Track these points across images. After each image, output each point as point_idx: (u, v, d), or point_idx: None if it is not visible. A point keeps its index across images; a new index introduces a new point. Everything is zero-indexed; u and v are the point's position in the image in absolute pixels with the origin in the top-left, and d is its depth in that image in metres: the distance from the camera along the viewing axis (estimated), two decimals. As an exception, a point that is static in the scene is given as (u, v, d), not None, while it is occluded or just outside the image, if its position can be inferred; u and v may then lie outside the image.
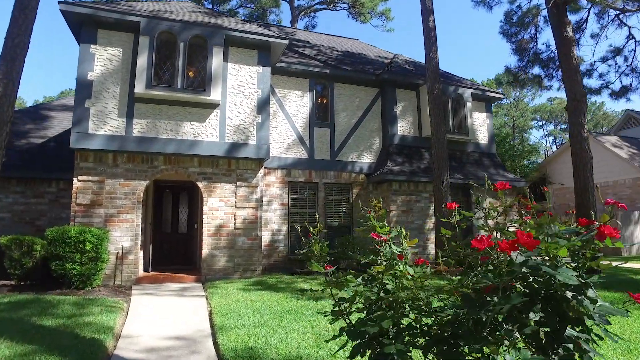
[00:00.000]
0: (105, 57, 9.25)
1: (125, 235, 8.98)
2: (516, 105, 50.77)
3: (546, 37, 73.84)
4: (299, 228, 3.43)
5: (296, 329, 5.22)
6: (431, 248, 12.34)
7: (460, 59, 67.84)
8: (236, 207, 9.82)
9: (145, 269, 10.11)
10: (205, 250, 9.50)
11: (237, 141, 9.89)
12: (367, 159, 12.74)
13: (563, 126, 54.24)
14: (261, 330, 5.15)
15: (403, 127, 13.15)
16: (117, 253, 8.86)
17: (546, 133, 60.11)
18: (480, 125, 14.64)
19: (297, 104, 12.19)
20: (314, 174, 12.03)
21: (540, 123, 58.94)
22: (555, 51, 13.30)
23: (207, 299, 7.41)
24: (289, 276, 9.97)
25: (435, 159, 10.80)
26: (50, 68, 79.25)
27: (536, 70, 16.00)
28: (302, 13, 31.84)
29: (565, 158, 19.97)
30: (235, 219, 9.78)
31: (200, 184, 9.67)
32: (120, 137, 9.05)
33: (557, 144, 56.07)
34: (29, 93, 60.76)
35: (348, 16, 31.51)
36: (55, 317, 5.55)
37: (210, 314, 6.16)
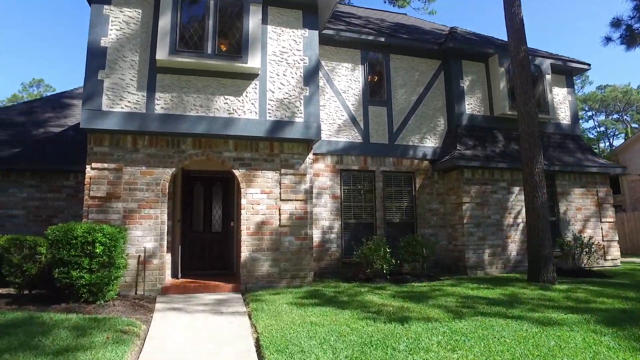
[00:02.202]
0: (121, 19, 7.61)
1: (147, 234, 7.31)
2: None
3: None
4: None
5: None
6: (512, 248, 10.18)
7: (533, 27, 61.97)
8: (281, 200, 8.00)
9: (174, 275, 8.43)
10: (245, 253, 7.73)
11: (281, 118, 8.05)
12: (430, 143, 10.68)
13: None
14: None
15: (471, 105, 11.02)
16: (139, 256, 7.21)
17: (596, 124, 55.92)
18: (561, 102, 12.30)
19: (347, 78, 10.28)
20: (369, 160, 10.08)
21: (589, 113, 54.82)
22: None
23: (250, 317, 5.61)
24: (347, 284, 8.07)
25: (524, 138, 8.64)
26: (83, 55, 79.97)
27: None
28: (337, -2, 29.90)
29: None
30: (280, 215, 7.96)
31: (237, 172, 7.90)
32: (140, 114, 7.38)
33: (611, 135, 51.91)
34: (60, 82, 60.96)
35: (385, 1, 29.39)
36: (38, 355, 3.84)
37: (259, 346, 4.32)
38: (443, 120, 10.92)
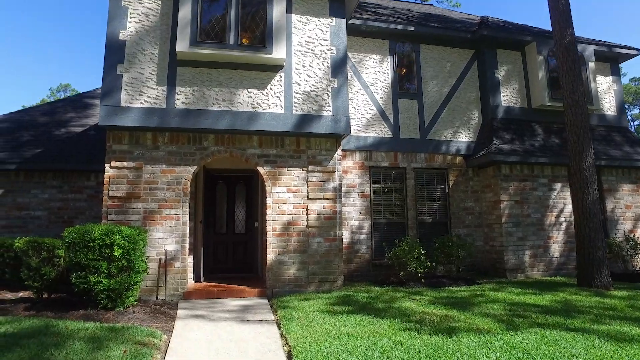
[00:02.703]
0: (140, 11, 7.27)
1: (169, 236, 6.95)
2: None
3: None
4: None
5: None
6: (554, 249, 9.46)
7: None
8: (308, 199, 7.52)
9: (196, 279, 8.06)
10: (271, 256, 7.28)
11: (308, 112, 7.57)
12: (464, 137, 10.03)
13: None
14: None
15: (507, 97, 10.31)
16: (160, 259, 6.84)
17: (630, 117, 53.67)
18: (605, 91, 11.46)
19: (375, 70, 9.74)
20: (400, 156, 9.51)
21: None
22: None
23: (279, 326, 5.15)
24: (379, 288, 7.55)
25: (572, 130, 7.93)
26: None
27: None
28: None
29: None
30: (307, 215, 7.48)
31: (261, 170, 7.46)
32: (160, 110, 7.02)
33: (645, 128, 49.65)
34: (85, 86, 61.94)
35: (408, -6, 28.52)
36: (50, 370, 3.46)
37: (292, 362, 3.85)
38: (477, 113, 10.25)
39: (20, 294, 7.10)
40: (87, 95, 13.12)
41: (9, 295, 7.29)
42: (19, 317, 5.27)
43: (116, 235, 5.49)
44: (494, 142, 9.44)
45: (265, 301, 6.75)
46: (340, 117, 7.65)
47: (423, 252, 7.95)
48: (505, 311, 5.52)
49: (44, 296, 6.36)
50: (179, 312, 5.96)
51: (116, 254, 5.45)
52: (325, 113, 7.63)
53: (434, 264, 8.21)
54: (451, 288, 7.46)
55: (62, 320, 5.07)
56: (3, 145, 9.63)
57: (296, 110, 7.52)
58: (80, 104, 12.32)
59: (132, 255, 5.62)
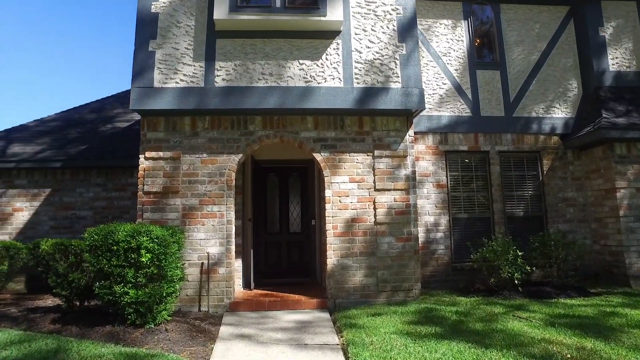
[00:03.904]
0: (174, -22, 6.30)
1: (211, 237, 5.91)
2: None
3: None
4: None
5: None
6: (689, 249, 7.38)
7: None
8: (375, 190, 6.19)
9: (246, 285, 6.99)
10: (332, 259, 6.03)
11: (372, 84, 6.24)
12: (560, 113, 8.22)
13: None
14: None
15: (617, 60, 8.34)
16: (202, 264, 5.82)
17: None
18: None
19: (447, 38, 8.19)
20: (481, 138, 7.91)
21: None
22: None
23: (346, 354, 3.88)
24: (465, 298, 6.07)
25: None
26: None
27: None
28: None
29: None
30: (375, 209, 6.15)
31: (318, 157, 6.23)
32: (197, 89, 6.00)
33: None
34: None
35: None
36: None
37: None
38: (576, 83, 8.38)
39: (59, 301, 6.44)
40: (136, 90, 12.59)
41: (49, 302, 6.66)
42: (36, 335, 4.43)
43: (143, 237, 4.47)
44: (604, 115, 7.56)
45: (326, 315, 5.51)
46: (411, 89, 6.24)
47: (520, 253, 6.36)
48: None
49: (76, 304, 5.57)
50: (222, 329, 4.87)
51: (144, 259, 4.44)
52: (393, 85, 6.26)
53: (533, 268, 6.57)
54: (562, 300, 5.82)
55: (80, 342, 4.13)
56: (51, 144, 9.21)
57: (357, 83, 6.21)
58: (128, 99, 11.78)
59: (164, 260, 4.59)
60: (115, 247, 4.46)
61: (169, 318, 4.86)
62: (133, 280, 4.48)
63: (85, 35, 47.83)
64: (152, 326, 4.57)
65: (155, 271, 4.53)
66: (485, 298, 6.07)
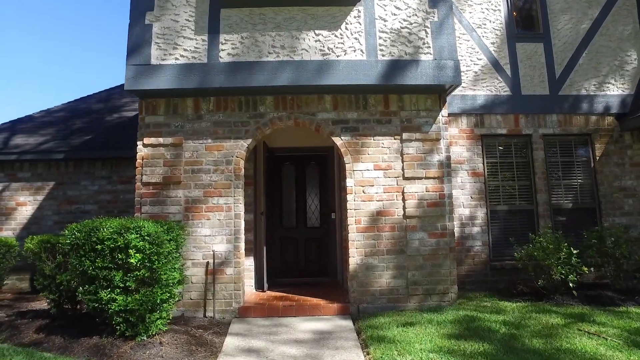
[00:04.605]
0: (173, -59, 5.58)
1: (217, 233, 5.21)
2: None
3: None
4: None
5: None
6: None
7: None
8: (404, 179, 5.37)
9: (258, 286, 6.27)
10: (354, 258, 5.25)
11: (400, 57, 5.39)
12: (615, 90, 7.19)
13: None
14: None
15: (681, 28, 7.25)
16: (207, 264, 5.13)
17: None
18: None
19: (482, 7, 7.24)
20: (522, 120, 6.97)
21: None
22: None
23: (373, 381, 3.11)
24: (509, 303, 5.22)
25: None
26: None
27: None
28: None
29: None
30: (404, 200, 5.34)
31: (338, 141, 5.45)
32: (200, 65, 5.28)
33: None
34: None
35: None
36: None
37: None
38: (635, 54, 7.32)
39: (42, 304, 5.90)
40: (147, 79, 12.02)
41: (44, 305, 6.11)
42: (9, 349, 3.81)
43: (132, 234, 3.79)
44: (668, 91, 6.52)
45: (349, 323, 4.75)
46: (445, 62, 5.37)
47: (575, 251, 5.45)
48: None
49: (67, 308, 4.95)
50: (227, 341, 4.17)
51: (133, 260, 3.76)
52: (423, 57, 5.40)
53: (591, 268, 5.65)
54: (633, 309, 4.90)
55: (65, 355, 3.49)
56: (55, 135, 8.70)
57: (382, 56, 5.37)
58: (138, 88, 11.24)
59: (157, 262, 3.90)
60: (99, 247, 3.80)
61: (165, 328, 4.18)
62: (121, 285, 3.82)
63: (115, 22, 47.93)
64: (145, 338, 3.90)
65: (147, 274, 3.85)
66: (533, 304, 5.21)
